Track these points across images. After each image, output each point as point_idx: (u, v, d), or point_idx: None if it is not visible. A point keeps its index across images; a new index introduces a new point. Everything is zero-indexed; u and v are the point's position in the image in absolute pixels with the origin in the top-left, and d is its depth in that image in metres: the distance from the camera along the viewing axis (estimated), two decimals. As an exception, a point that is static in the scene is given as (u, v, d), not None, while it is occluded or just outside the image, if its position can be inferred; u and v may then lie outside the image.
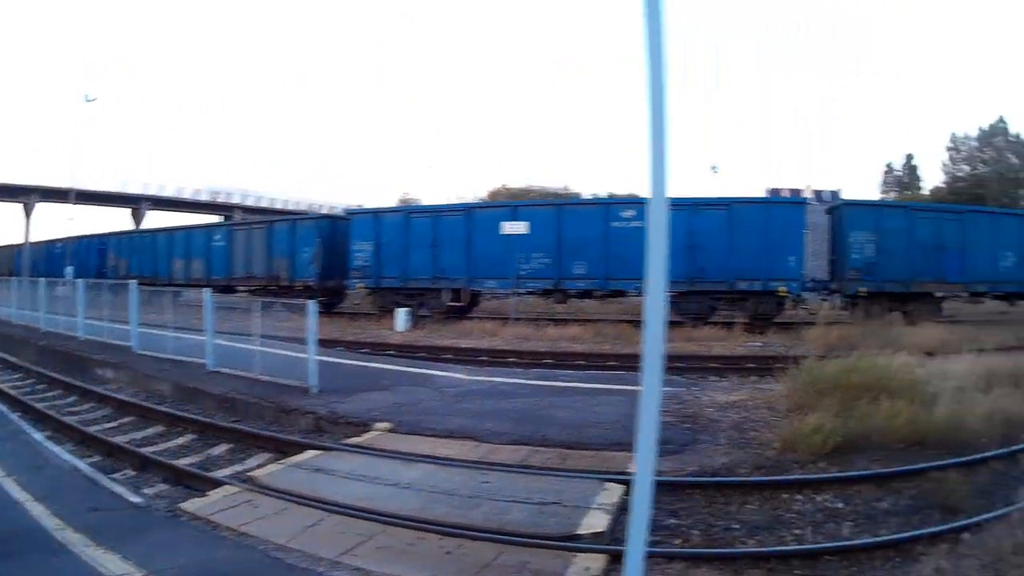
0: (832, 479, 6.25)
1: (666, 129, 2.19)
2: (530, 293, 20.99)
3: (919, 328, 16.02)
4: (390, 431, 7.66)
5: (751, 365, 12.78)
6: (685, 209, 18.21)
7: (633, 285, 18.52)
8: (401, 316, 19.60)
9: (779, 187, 45.28)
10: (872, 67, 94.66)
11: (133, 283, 14.41)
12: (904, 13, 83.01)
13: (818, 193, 44.54)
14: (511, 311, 19.46)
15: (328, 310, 21.61)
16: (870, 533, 5.28)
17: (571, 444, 7.01)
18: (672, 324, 17.55)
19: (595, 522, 4.94)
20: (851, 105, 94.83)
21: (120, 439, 8.23)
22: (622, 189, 38.50)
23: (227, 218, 46.26)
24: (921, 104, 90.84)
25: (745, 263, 18.28)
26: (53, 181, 51.54)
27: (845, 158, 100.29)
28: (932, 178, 55.90)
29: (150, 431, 8.83)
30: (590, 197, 43.84)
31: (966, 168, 51.22)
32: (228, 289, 25.10)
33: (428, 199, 51.35)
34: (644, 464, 2.31)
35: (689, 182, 79.48)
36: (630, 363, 11.53)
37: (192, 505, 5.49)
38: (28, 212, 55.14)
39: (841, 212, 20.25)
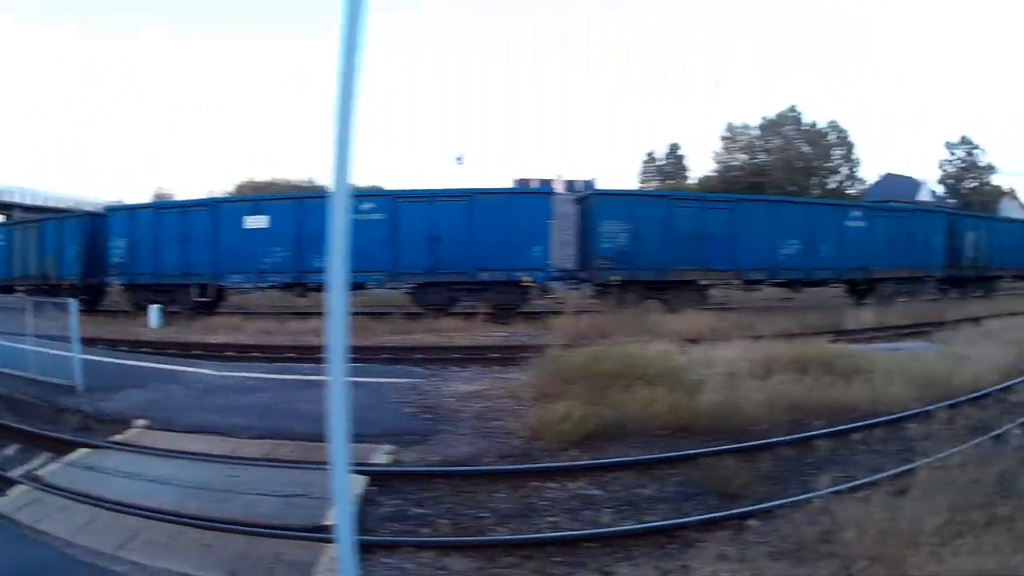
0: (586, 466, 6.20)
1: (352, 121, 2.18)
2: (272, 287, 20.91)
3: (681, 315, 16.17)
4: (147, 428, 7.78)
5: (494, 355, 12.58)
6: (424, 201, 18.57)
7: (373, 278, 18.73)
8: (154, 313, 19.15)
9: (528, 177, 46.17)
10: (644, 59, 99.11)
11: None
12: (684, 5, 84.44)
13: (570, 183, 45.80)
14: (256, 306, 19.26)
15: (91, 308, 20.97)
16: (634, 520, 5.23)
17: (314, 437, 6.93)
18: (413, 315, 18.23)
19: (340, 513, 5.33)
20: (616, 98, 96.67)
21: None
22: (366, 181, 37.05)
23: (8, 217, 42.13)
24: (696, 96, 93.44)
25: (487, 254, 18.36)
26: None
27: (607, 149, 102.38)
28: (703, 167, 56.01)
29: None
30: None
31: (743, 157, 51.18)
32: (8, 289, 24.13)
33: (182, 194, 49.10)
34: (338, 454, 2.29)
35: (433, 173, 78.86)
36: (371, 355, 12.12)
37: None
38: None
39: (590, 202, 20.37)
